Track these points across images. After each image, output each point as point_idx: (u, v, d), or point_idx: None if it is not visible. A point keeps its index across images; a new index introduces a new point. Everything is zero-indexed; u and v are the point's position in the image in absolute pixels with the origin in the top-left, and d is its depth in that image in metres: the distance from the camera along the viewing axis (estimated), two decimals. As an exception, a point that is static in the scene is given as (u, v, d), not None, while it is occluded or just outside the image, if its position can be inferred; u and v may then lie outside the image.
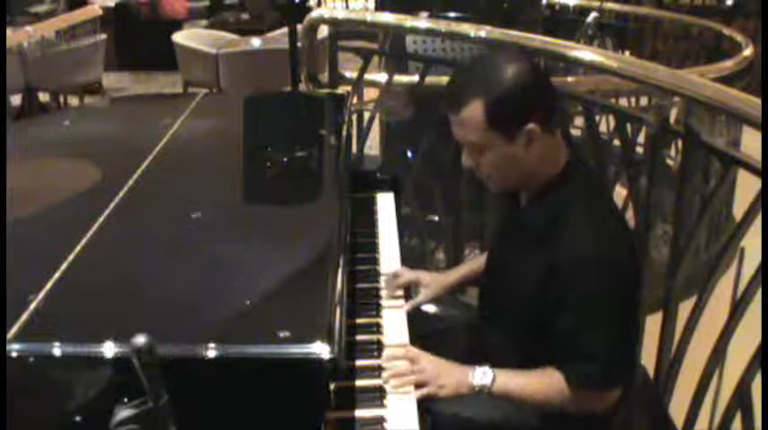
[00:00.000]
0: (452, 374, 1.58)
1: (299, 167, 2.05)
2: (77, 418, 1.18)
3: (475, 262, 1.98)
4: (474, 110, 1.50)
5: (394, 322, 1.74)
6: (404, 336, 1.70)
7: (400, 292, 1.87)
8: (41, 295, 1.30)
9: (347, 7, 10.01)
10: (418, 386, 1.54)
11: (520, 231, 1.68)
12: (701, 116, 2.56)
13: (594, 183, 1.70)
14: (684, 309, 2.18)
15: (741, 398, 1.91)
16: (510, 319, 1.68)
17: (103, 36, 6.36)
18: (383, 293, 1.84)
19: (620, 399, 1.65)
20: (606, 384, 1.55)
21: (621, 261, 1.54)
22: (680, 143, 2.43)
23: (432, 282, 1.92)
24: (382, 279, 1.89)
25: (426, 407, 1.56)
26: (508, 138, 1.51)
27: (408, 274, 1.91)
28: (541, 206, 1.60)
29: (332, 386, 1.21)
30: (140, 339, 1.00)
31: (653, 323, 2.29)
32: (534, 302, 1.57)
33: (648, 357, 2.28)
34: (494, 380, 1.55)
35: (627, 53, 5.36)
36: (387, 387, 1.50)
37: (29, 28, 5.70)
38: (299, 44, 3.47)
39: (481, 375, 1.55)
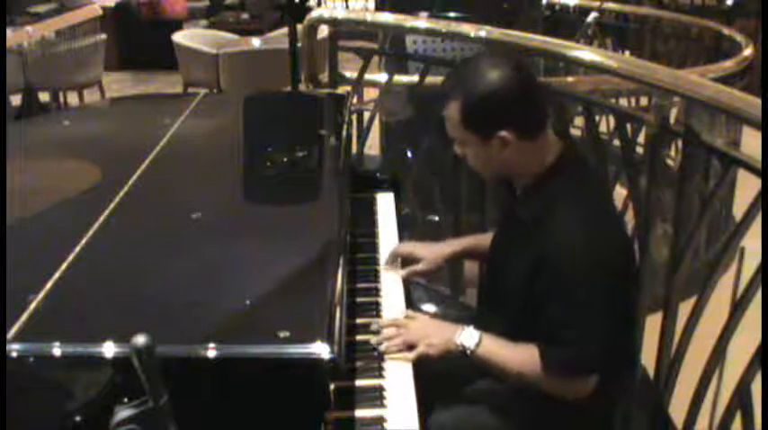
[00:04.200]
0: (442, 333, 1.62)
1: (299, 167, 2.05)
2: (77, 418, 1.18)
3: (479, 237, 1.99)
4: (453, 109, 1.57)
5: (392, 289, 1.80)
6: (401, 304, 1.75)
7: (399, 268, 1.90)
8: (41, 295, 1.30)
9: (347, 7, 10.02)
10: (410, 348, 1.58)
11: (514, 223, 1.72)
12: (700, 116, 2.56)
13: (588, 177, 1.72)
14: (684, 309, 2.17)
15: (741, 398, 1.91)
16: (503, 309, 1.71)
17: (103, 36, 6.36)
18: (382, 265, 1.91)
19: (615, 395, 1.66)
20: (576, 371, 1.56)
21: (609, 252, 1.55)
22: (680, 143, 2.43)
23: (429, 254, 1.93)
24: (382, 271, 1.91)
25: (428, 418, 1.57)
26: (482, 140, 1.57)
27: (405, 248, 1.94)
28: (533, 198, 1.64)
29: (332, 386, 1.21)
30: (140, 339, 1.00)
31: (653, 323, 2.29)
32: (524, 292, 1.59)
33: (648, 357, 2.28)
34: (478, 343, 1.58)
35: (627, 53, 5.36)
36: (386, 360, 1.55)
37: (29, 28, 5.69)
38: (299, 44, 3.47)
39: (468, 336, 1.59)
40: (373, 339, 1.60)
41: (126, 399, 1.09)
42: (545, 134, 1.61)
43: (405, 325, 1.63)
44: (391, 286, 1.84)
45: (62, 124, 2.62)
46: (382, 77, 3.33)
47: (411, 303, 1.86)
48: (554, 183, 1.60)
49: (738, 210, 2.86)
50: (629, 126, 2.57)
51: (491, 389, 1.70)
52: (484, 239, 1.93)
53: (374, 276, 1.88)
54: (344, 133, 2.24)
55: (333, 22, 3.41)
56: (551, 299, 1.54)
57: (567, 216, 1.55)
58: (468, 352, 1.58)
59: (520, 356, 1.58)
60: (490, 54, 1.98)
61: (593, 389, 1.57)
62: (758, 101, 1.90)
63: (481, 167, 1.66)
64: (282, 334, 1.21)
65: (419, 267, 1.91)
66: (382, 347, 1.58)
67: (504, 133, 1.54)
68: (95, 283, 1.41)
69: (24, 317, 1.24)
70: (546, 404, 1.62)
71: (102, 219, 1.59)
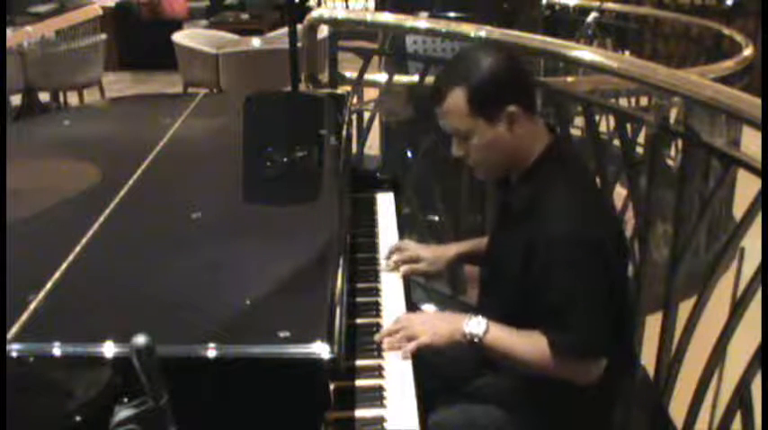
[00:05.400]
0: (448, 322, 1.63)
1: (299, 168, 2.05)
2: (77, 418, 1.18)
3: (479, 241, 2.00)
4: (456, 98, 1.59)
5: (392, 290, 1.81)
6: (401, 304, 1.76)
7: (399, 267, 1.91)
8: (41, 295, 1.30)
9: (347, 7, 10.02)
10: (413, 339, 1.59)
11: (507, 212, 1.75)
12: (700, 116, 2.56)
13: (576, 165, 1.75)
14: (684, 309, 2.17)
15: (741, 398, 1.91)
16: (502, 297, 1.72)
17: (103, 36, 6.36)
18: (383, 262, 1.92)
19: (614, 388, 1.66)
20: (584, 353, 1.57)
21: (599, 235, 1.58)
22: (680, 143, 2.43)
23: (430, 256, 1.94)
24: (383, 271, 1.91)
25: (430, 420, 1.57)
26: (490, 122, 1.60)
27: (410, 251, 1.95)
28: (525, 185, 1.66)
29: (332, 386, 1.21)
30: (140, 339, 1.00)
31: (653, 323, 2.29)
32: (519, 280, 1.61)
33: (648, 357, 2.28)
34: (486, 331, 1.58)
35: (627, 53, 5.36)
36: (385, 354, 1.56)
37: (29, 28, 5.69)
38: (299, 44, 3.47)
39: (476, 324, 1.59)
40: (376, 336, 1.60)
41: (126, 399, 1.09)
42: (538, 117, 1.67)
43: (408, 318, 1.64)
44: (391, 286, 1.84)
45: (62, 124, 2.62)
46: (382, 77, 3.33)
47: (411, 303, 1.86)
48: (544, 171, 1.64)
49: (738, 210, 2.86)
50: (629, 126, 2.57)
51: (491, 388, 1.70)
52: (484, 243, 1.93)
53: (374, 276, 1.88)
54: (344, 133, 2.24)
55: (333, 22, 3.41)
56: (545, 285, 1.56)
57: (556, 203, 1.58)
58: (477, 339, 1.58)
59: (528, 343, 1.58)
60: (475, 47, 2.04)
61: (595, 383, 1.57)
62: (758, 101, 1.90)
63: (487, 156, 1.65)
64: (282, 334, 1.21)
65: (420, 266, 1.92)
66: (385, 344, 1.57)
67: (512, 107, 1.59)
68: (95, 283, 1.41)
69: (24, 317, 1.24)
70: (546, 402, 1.62)
71: (102, 219, 1.59)
